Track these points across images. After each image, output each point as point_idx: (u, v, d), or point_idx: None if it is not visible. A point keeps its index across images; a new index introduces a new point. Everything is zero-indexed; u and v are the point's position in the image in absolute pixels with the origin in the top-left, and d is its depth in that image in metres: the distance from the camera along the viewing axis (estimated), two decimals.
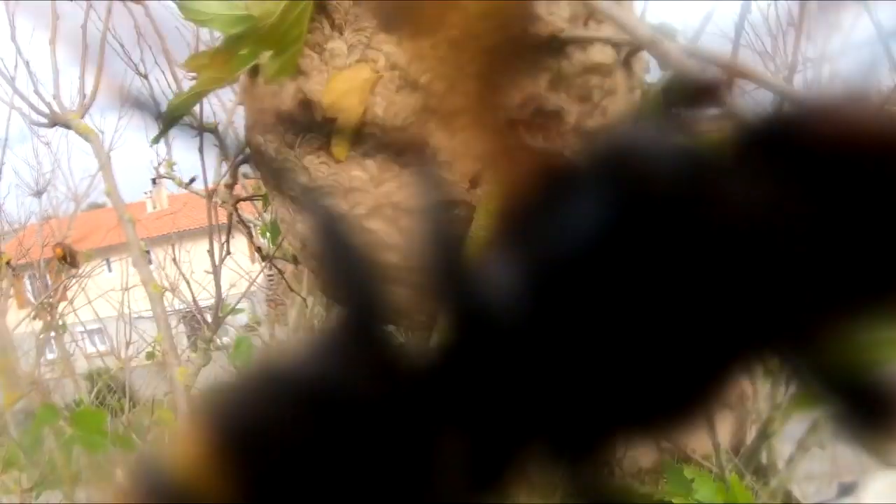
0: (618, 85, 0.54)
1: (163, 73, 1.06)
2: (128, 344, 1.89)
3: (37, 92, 0.90)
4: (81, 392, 1.93)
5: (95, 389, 1.71)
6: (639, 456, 0.75)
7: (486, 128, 0.51)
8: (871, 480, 0.52)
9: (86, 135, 0.69)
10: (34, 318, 1.60)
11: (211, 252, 0.85)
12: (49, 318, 1.59)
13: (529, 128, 0.49)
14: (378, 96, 0.51)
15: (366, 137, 0.51)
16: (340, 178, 0.53)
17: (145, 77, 1.71)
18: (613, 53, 0.53)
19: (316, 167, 0.54)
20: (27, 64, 1.27)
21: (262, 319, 2.40)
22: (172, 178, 1.48)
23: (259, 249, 1.34)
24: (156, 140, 0.65)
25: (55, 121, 0.74)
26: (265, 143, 0.57)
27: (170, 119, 0.58)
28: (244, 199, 0.88)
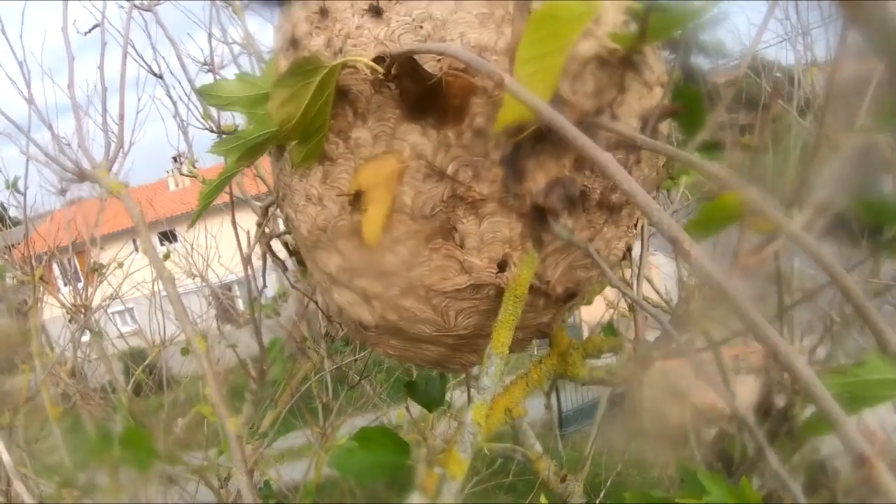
0: (642, 155, 0.54)
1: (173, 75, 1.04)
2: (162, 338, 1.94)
3: (62, 153, 0.90)
4: (115, 374, 2.00)
5: (133, 379, 1.77)
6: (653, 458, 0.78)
7: (513, 213, 0.52)
8: None
9: (117, 192, 0.70)
10: (69, 320, 1.65)
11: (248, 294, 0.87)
12: (83, 316, 1.64)
13: (555, 211, 0.49)
14: (406, 185, 0.51)
15: (396, 225, 0.52)
16: (373, 262, 0.54)
17: (160, 77, 1.70)
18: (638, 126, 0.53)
19: (349, 251, 0.55)
20: (50, 127, 1.26)
21: (289, 292, 2.45)
22: (195, 176, 1.49)
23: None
24: (192, 223, 0.66)
25: (84, 177, 0.75)
26: (297, 220, 0.58)
27: (203, 205, 0.59)
28: (278, 236, 0.90)
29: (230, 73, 1.69)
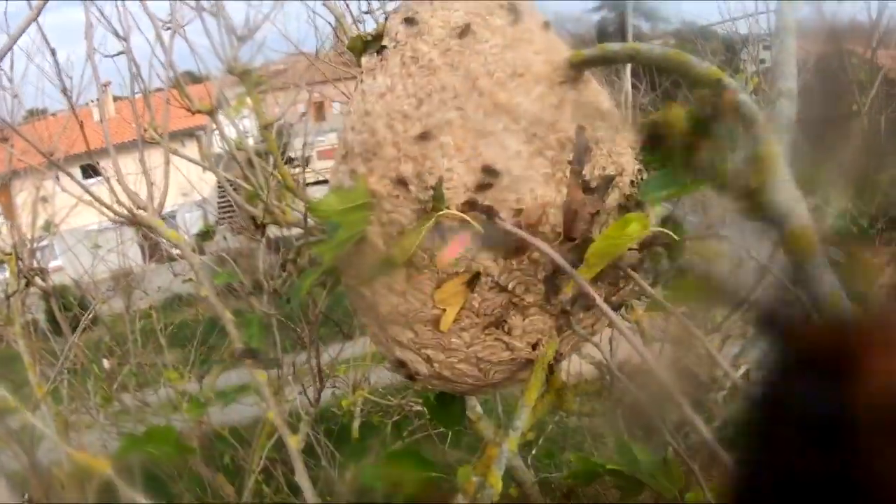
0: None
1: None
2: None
3: (119, 202, 0.95)
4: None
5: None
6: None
7: (547, 314, 0.73)
8: None
9: (176, 242, 0.81)
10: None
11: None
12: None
13: (574, 314, 0.70)
14: (476, 293, 0.69)
15: (463, 318, 0.70)
16: (442, 341, 0.72)
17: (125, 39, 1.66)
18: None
19: (423, 332, 0.73)
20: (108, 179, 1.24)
21: (216, 228, 2.50)
22: (159, 143, 1.52)
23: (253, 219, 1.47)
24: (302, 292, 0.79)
25: (139, 223, 0.84)
26: (373, 299, 0.74)
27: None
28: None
29: (193, 31, 1.68)
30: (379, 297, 0.74)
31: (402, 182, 0.68)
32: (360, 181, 0.71)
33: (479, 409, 1.38)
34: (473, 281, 0.68)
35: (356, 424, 2.42)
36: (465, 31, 0.71)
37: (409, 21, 0.75)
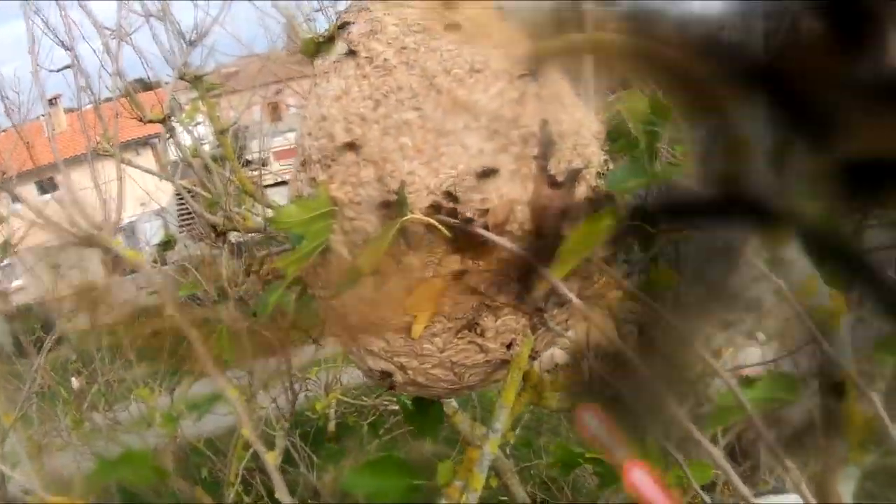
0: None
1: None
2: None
3: (73, 224, 0.90)
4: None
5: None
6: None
7: (520, 313, 0.71)
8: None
9: (135, 261, 0.78)
10: None
11: None
12: None
13: (547, 310, 0.69)
14: (447, 297, 0.67)
15: (436, 324, 0.69)
16: (414, 348, 0.70)
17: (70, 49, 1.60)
18: None
19: (395, 340, 0.70)
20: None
21: (177, 237, 2.44)
22: (112, 156, 1.47)
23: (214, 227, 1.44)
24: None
25: (95, 243, 0.80)
26: (344, 308, 0.72)
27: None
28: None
29: (142, 37, 1.63)
30: (348, 308, 0.71)
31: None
32: (321, 189, 0.69)
33: (454, 403, 1.37)
34: (443, 285, 0.67)
35: (332, 426, 2.40)
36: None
37: (363, 21, 0.72)
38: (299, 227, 0.67)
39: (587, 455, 1.03)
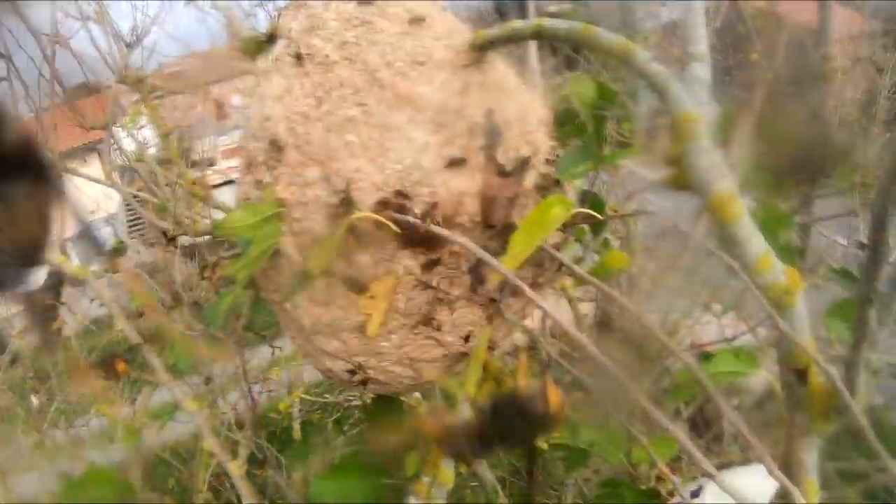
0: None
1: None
2: None
3: None
4: None
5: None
6: None
7: (476, 305, 0.71)
8: (710, 484, 0.82)
9: (80, 277, 0.76)
10: None
11: None
12: None
13: (502, 300, 0.69)
14: (400, 294, 0.67)
15: (391, 321, 0.68)
16: (371, 347, 0.70)
17: (9, 59, 1.53)
18: None
19: (350, 339, 0.70)
20: None
21: (129, 244, 2.37)
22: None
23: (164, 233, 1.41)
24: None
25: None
26: (296, 313, 0.71)
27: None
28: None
29: (80, 42, 1.57)
30: (301, 310, 0.70)
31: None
32: (267, 191, 0.67)
33: (416, 392, 1.37)
34: (395, 282, 0.66)
35: (297, 425, 2.39)
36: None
37: (302, 17, 0.71)
38: (247, 231, 0.65)
39: (551, 442, 1.05)
